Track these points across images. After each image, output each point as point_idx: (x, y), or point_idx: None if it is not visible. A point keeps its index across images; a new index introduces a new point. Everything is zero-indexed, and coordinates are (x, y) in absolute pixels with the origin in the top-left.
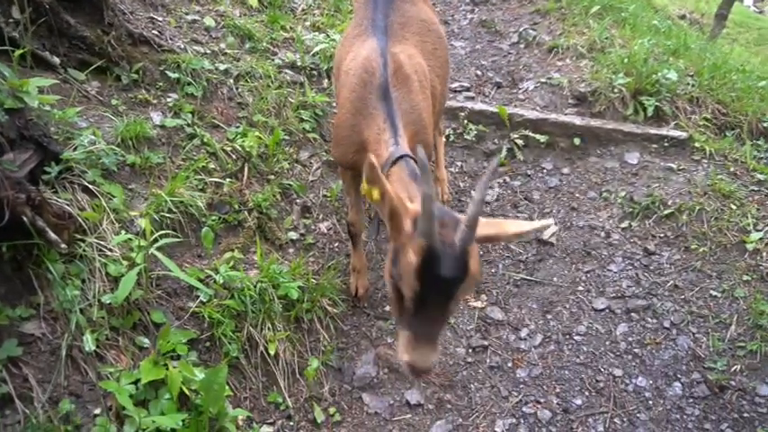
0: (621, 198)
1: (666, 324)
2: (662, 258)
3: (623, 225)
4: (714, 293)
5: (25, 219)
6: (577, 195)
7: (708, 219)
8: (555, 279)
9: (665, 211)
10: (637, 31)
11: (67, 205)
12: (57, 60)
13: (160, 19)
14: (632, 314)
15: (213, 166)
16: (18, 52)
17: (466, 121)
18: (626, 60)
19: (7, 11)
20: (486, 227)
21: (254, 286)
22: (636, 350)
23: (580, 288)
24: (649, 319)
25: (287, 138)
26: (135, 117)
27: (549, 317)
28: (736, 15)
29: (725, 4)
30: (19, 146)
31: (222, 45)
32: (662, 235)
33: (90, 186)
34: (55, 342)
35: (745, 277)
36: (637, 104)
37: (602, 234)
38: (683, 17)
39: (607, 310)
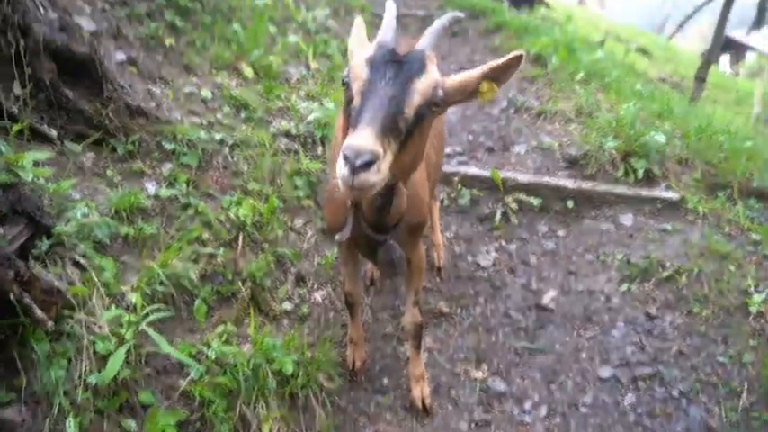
0: (619, 260)
1: (675, 393)
2: (664, 323)
3: (622, 288)
4: (721, 359)
5: (12, 296)
6: (574, 258)
7: (707, 280)
8: (557, 346)
9: (664, 273)
10: (621, 95)
11: (57, 280)
12: (54, 133)
13: (158, 91)
14: (639, 383)
15: (207, 236)
16: (16, 128)
17: (459, 186)
18: (614, 124)
19: (8, 87)
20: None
21: (248, 361)
22: (646, 422)
23: (583, 355)
24: (657, 388)
25: (281, 205)
26: (129, 188)
27: (552, 387)
28: (714, 78)
29: (703, 67)
30: (10, 220)
31: (218, 115)
32: (662, 298)
33: (80, 260)
34: (36, 428)
35: (751, 342)
36: (627, 166)
37: (602, 298)
38: (663, 80)
39: (613, 379)
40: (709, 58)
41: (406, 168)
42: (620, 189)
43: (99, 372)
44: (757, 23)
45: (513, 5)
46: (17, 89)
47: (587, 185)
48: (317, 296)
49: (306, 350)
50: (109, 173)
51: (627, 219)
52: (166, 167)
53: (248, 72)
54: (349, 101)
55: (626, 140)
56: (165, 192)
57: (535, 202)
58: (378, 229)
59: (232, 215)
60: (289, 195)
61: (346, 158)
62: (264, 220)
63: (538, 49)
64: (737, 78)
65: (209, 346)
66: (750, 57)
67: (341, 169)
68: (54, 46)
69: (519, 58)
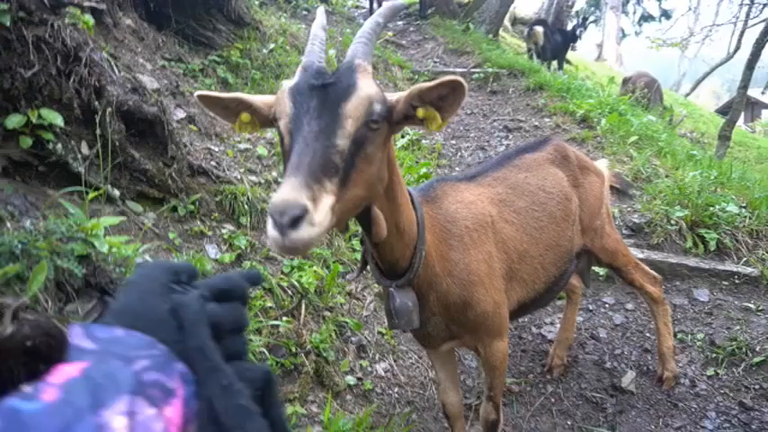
0: (701, 341)
1: None
2: (764, 416)
3: (708, 373)
4: None
5: None
6: (648, 335)
7: None
8: None
9: (755, 359)
10: (676, 161)
11: None
12: (117, 193)
13: (216, 149)
14: None
15: (270, 305)
16: (92, 195)
17: None
18: (676, 191)
19: (77, 147)
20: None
21: None
22: None
23: None
24: None
25: (340, 269)
26: (191, 250)
27: None
28: (735, 135)
29: (727, 125)
30: (83, 294)
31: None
32: (756, 386)
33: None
34: None
35: None
36: (695, 237)
37: (687, 383)
38: (683, 135)
39: None
40: (732, 117)
41: (363, 199)
42: (694, 261)
43: None
44: None
45: (541, 60)
46: (85, 149)
47: (657, 256)
48: (380, 369)
49: None
50: (170, 235)
51: (702, 294)
52: (226, 228)
53: None
54: (281, 140)
55: (693, 210)
56: (226, 257)
57: (600, 271)
58: (386, 273)
59: (294, 281)
60: (347, 258)
61: (273, 218)
62: (326, 287)
63: (585, 111)
64: (756, 135)
65: None
66: (766, 114)
67: (270, 230)
68: (126, 107)
69: (455, 83)
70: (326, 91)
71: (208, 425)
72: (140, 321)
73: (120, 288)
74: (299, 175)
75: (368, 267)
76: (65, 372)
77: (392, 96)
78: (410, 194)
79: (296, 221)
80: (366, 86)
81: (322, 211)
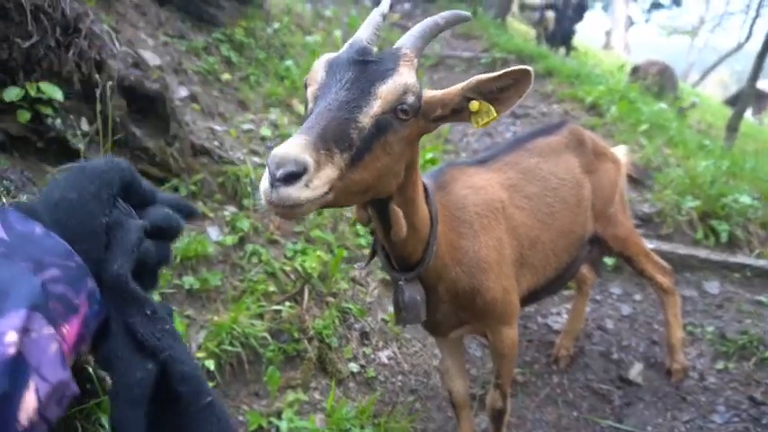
0: (711, 334)
1: None
2: None
3: (718, 366)
4: None
5: (89, 368)
6: (656, 326)
7: None
8: (649, 429)
9: (767, 353)
10: (687, 150)
11: None
12: None
13: (219, 129)
14: None
15: (273, 289)
16: None
17: None
18: (687, 181)
19: (77, 123)
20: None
21: None
22: None
23: None
24: None
25: (344, 254)
26: (192, 232)
27: None
28: (742, 127)
29: (735, 117)
30: None
31: None
32: (767, 381)
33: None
34: None
35: None
36: (706, 229)
37: (696, 376)
38: (690, 127)
39: None
40: (741, 108)
41: (368, 188)
42: (704, 253)
43: None
44: None
45: (550, 45)
46: (85, 126)
47: (666, 247)
48: (383, 356)
49: (383, 423)
50: None
51: (713, 286)
52: (229, 210)
53: (301, 109)
54: (306, 108)
55: (705, 200)
56: (228, 239)
57: (608, 261)
58: (397, 265)
59: (297, 266)
60: (350, 243)
61: (269, 169)
62: (330, 273)
63: (594, 98)
64: (763, 127)
65: (279, 417)
66: None
67: (263, 182)
68: (127, 82)
69: (522, 73)
70: (364, 67)
71: (124, 348)
72: (72, 222)
73: (64, 177)
74: (311, 135)
75: (376, 258)
76: None
77: (438, 92)
78: (425, 187)
79: (291, 178)
80: (406, 75)
81: (322, 177)
